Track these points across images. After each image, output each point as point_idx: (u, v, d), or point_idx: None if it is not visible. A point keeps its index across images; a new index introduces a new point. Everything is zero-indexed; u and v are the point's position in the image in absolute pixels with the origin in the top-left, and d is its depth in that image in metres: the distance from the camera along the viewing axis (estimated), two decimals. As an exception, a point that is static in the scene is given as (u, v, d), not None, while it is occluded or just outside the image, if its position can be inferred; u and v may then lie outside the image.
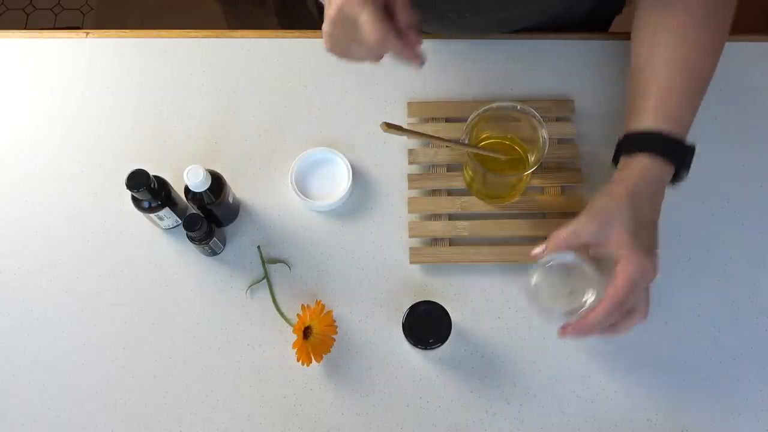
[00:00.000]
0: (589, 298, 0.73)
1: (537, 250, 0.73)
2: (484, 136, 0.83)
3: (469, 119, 0.78)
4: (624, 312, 0.71)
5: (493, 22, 0.92)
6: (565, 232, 0.72)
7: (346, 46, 0.68)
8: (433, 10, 0.88)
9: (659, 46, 0.77)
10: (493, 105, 0.79)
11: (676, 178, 0.75)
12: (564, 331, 0.72)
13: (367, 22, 0.63)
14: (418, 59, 0.67)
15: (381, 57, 0.68)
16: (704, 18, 0.76)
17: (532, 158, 0.81)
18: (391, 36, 0.64)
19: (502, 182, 0.83)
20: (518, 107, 0.78)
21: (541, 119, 0.77)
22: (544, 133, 0.77)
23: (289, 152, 0.89)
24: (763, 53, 0.94)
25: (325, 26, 0.67)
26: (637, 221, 0.71)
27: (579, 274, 0.75)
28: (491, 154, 0.80)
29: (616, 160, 0.77)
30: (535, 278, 0.75)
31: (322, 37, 0.68)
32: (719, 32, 0.78)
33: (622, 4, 1.01)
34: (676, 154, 0.74)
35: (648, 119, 0.75)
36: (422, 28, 0.69)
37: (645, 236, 0.71)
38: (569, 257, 0.73)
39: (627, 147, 0.75)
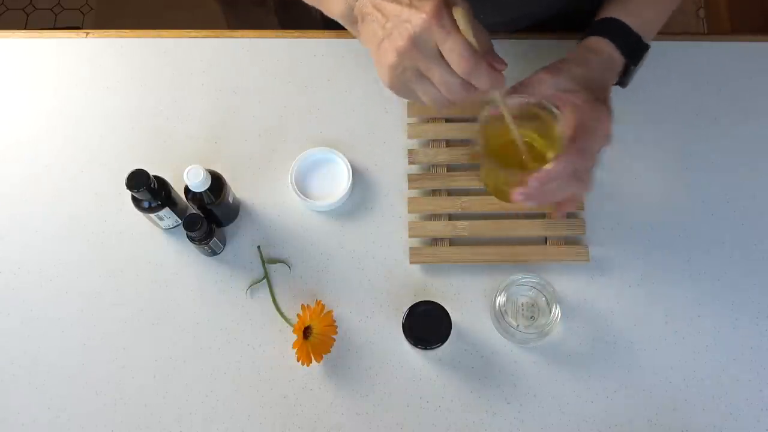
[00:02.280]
0: (548, 320, 0.79)
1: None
2: (498, 133, 0.77)
3: (482, 118, 0.74)
4: (576, 173, 0.69)
5: (502, 23, 0.92)
6: (520, 85, 0.72)
7: (412, 84, 0.61)
8: None
9: None
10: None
11: (626, 72, 0.76)
12: (521, 191, 0.69)
13: (455, 51, 0.56)
14: (503, 85, 0.61)
15: (456, 99, 0.61)
16: None
17: (550, 155, 0.75)
18: (483, 64, 0.57)
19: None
20: (532, 101, 0.74)
21: (558, 114, 0.73)
22: (560, 128, 0.73)
23: (289, 152, 0.89)
24: (763, 53, 0.94)
25: (390, 58, 0.59)
26: (591, 82, 0.71)
27: (541, 303, 0.81)
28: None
29: None
30: (500, 299, 0.79)
31: (360, 43, 0.60)
32: None
33: None
34: (623, 39, 0.75)
35: (606, 11, 0.77)
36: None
37: (600, 94, 0.71)
38: (526, 99, 0.72)
39: (583, 36, 0.77)
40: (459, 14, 0.58)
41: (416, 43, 0.57)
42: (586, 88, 0.71)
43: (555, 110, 0.71)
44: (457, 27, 0.57)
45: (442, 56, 0.58)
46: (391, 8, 0.58)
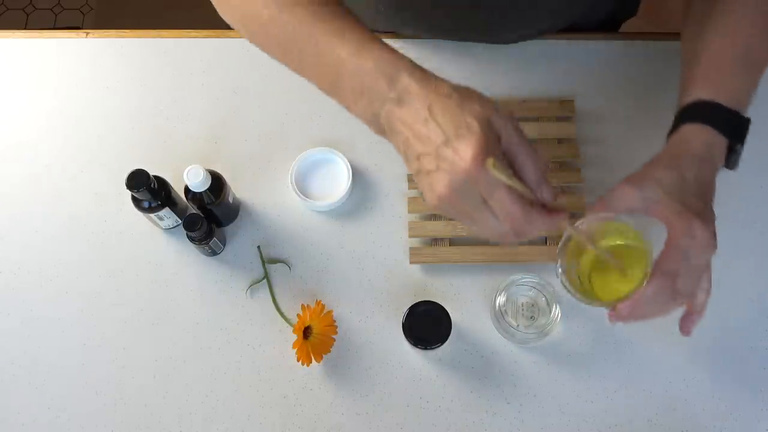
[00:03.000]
0: (548, 320, 0.78)
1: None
2: (580, 258, 0.70)
3: (569, 236, 0.65)
4: (675, 292, 0.62)
5: (519, 34, 0.92)
6: (602, 200, 0.65)
7: (460, 221, 0.57)
8: (470, 24, 0.87)
9: (709, 24, 0.71)
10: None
11: (731, 153, 0.67)
12: (612, 314, 0.64)
13: (500, 207, 0.52)
14: (564, 219, 0.56)
15: (510, 243, 0.57)
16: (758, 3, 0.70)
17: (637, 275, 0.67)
18: (534, 214, 0.53)
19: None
20: (611, 218, 0.66)
21: (641, 232, 0.65)
22: (648, 245, 0.65)
23: (289, 152, 0.89)
24: (763, 53, 0.94)
25: (432, 200, 0.55)
26: (684, 185, 0.63)
27: (541, 303, 0.81)
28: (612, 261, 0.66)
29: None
30: (500, 299, 0.79)
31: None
32: None
33: (636, 8, 1.00)
34: (721, 120, 0.66)
35: (693, 91, 0.68)
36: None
37: (694, 202, 0.63)
38: (610, 215, 0.65)
39: (674, 124, 0.68)
40: (492, 165, 0.52)
41: (459, 193, 0.53)
42: (677, 194, 0.63)
43: (639, 230, 0.65)
44: (501, 181, 0.52)
45: (489, 203, 0.54)
46: (426, 136, 0.54)
